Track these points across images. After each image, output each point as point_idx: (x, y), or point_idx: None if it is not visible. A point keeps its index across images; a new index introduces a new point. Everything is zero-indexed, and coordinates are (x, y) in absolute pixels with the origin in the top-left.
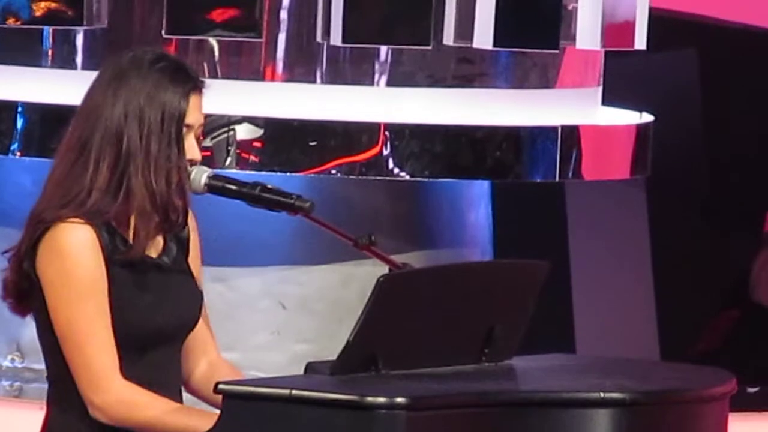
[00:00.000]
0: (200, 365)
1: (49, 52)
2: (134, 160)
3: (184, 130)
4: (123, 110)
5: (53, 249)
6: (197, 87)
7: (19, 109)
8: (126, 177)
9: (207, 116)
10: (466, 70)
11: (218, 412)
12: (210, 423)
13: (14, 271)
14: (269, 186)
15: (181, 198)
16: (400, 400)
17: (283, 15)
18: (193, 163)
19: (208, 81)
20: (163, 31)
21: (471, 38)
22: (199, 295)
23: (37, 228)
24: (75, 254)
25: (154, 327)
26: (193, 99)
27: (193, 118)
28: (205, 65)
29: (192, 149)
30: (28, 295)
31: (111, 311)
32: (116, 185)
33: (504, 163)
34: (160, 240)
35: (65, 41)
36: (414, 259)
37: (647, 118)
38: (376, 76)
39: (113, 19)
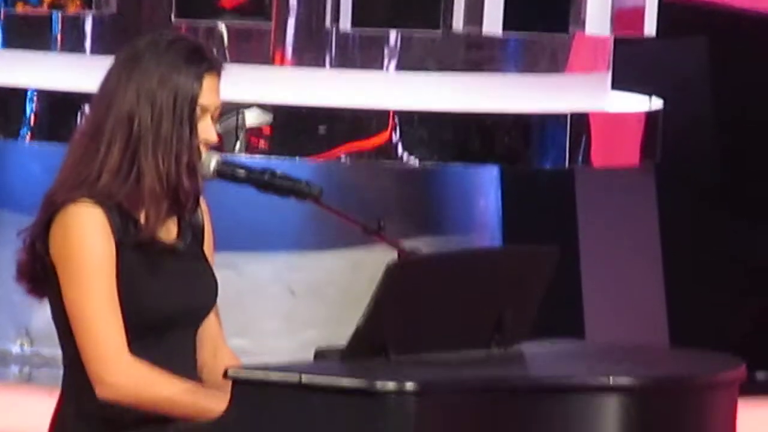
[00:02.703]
0: (208, 362)
1: (58, 38)
2: (144, 141)
3: (199, 111)
4: (135, 93)
5: (63, 229)
6: (213, 68)
7: (29, 94)
8: (136, 158)
9: None
10: (475, 55)
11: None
12: (224, 406)
13: (28, 253)
14: (278, 172)
15: (192, 179)
16: (409, 386)
17: (292, 0)
18: (209, 144)
19: None
20: (172, 16)
21: (480, 23)
22: (214, 281)
23: (49, 209)
24: (84, 234)
25: (169, 311)
26: (207, 80)
27: (208, 99)
28: (215, 50)
29: (208, 131)
30: (42, 277)
31: (126, 295)
32: (127, 167)
33: (513, 149)
34: (174, 227)
35: (74, 27)
36: (423, 245)
37: (657, 103)
38: (386, 62)
39: (122, 4)
